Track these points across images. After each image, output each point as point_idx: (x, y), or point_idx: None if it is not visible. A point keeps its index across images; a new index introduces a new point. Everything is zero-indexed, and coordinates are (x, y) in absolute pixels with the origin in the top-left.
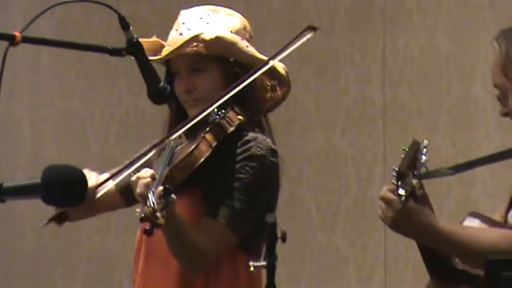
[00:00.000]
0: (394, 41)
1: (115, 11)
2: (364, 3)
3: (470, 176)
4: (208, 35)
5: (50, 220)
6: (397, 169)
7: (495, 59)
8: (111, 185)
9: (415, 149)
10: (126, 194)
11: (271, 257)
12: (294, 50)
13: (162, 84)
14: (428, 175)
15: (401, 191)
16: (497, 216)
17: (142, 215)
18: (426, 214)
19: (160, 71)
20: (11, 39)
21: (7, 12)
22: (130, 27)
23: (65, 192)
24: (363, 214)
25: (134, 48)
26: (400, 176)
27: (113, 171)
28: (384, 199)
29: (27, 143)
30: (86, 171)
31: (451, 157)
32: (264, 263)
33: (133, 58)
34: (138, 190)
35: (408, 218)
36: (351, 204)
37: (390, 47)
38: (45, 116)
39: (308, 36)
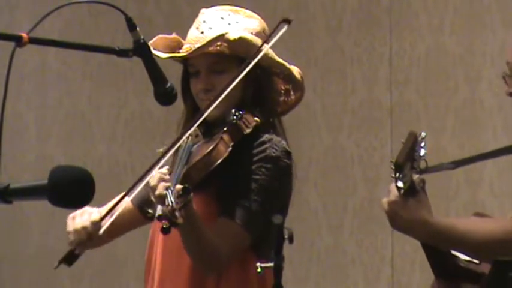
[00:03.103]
0: (401, 41)
1: (122, 11)
2: (370, 3)
3: (477, 177)
4: (232, 36)
5: (60, 262)
6: (394, 161)
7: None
8: (126, 202)
9: (412, 141)
10: (145, 211)
11: (278, 258)
12: (301, 50)
13: (169, 85)
14: (428, 169)
15: (400, 184)
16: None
17: (161, 212)
18: (421, 209)
19: (167, 71)
20: (18, 40)
21: (13, 13)
22: (137, 28)
23: (71, 193)
24: (370, 215)
25: (141, 49)
26: (398, 167)
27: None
28: (388, 192)
29: (34, 144)
30: (85, 209)
31: (458, 158)
32: (271, 264)
33: (140, 59)
34: (157, 190)
35: (404, 211)
36: (357, 204)
37: (397, 47)
38: (51, 116)
39: (283, 29)
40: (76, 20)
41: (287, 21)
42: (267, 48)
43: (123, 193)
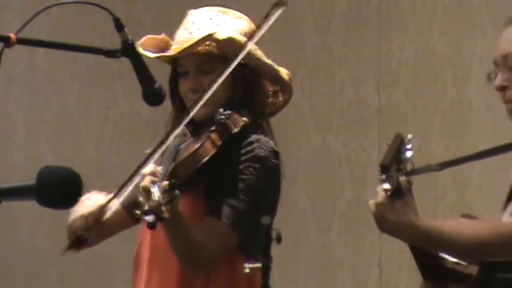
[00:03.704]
0: (389, 42)
1: (110, 12)
2: (359, 4)
3: (465, 178)
4: (221, 35)
5: (69, 247)
6: (380, 163)
7: None
8: (117, 203)
9: (398, 143)
10: (134, 212)
11: (266, 259)
12: (289, 50)
13: (157, 85)
14: (415, 171)
15: (386, 185)
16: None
17: (147, 207)
18: (408, 211)
19: (155, 72)
20: (6, 41)
21: (2, 13)
22: (125, 29)
23: (59, 194)
24: (358, 216)
25: (129, 50)
26: (384, 169)
27: (117, 188)
28: (376, 193)
29: (22, 145)
30: (93, 193)
31: (445, 159)
32: (259, 264)
33: (128, 59)
34: (143, 184)
35: (391, 213)
36: (345, 206)
37: (385, 48)
38: (40, 117)
39: (279, 11)
40: (64, 21)
41: (282, 3)
42: (252, 45)
43: (120, 185)
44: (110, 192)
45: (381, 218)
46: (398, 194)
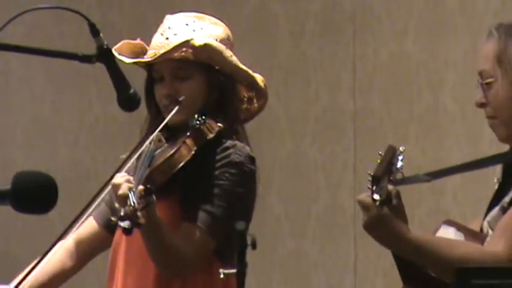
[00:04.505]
0: (364, 47)
1: (85, 17)
2: (333, 9)
3: (441, 185)
4: (197, 42)
5: None
6: (372, 173)
7: (490, 46)
8: (90, 223)
9: (391, 154)
10: (109, 220)
11: (241, 264)
12: (264, 55)
13: (132, 91)
14: (404, 181)
15: (376, 196)
16: (476, 225)
17: (123, 213)
18: (398, 223)
19: (131, 77)
20: None
21: None
22: (101, 34)
23: (35, 199)
24: (333, 221)
25: (104, 55)
26: (375, 180)
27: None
28: (360, 203)
29: None
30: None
31: (421, 165)
32: (234, 270)
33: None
34: (119, 191)
35: (381, 224)
36: (320, 211)
37: (360, 53)
38: (14, 121)
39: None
40: (39, 26)
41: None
42: (228, 51)
43: (37, 259)
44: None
45: (372, 230)
46: (387, 204)
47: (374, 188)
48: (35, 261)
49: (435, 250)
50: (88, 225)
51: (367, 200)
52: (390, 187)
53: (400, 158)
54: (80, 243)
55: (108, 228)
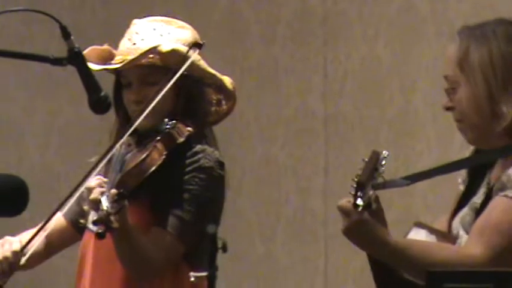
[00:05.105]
0: (336, 52)
1: (56, 20)
2: (305, 13)
3: (410, 189)
4: (164, 48)
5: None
6: (357, 179)
7: (453, 51)
8: (58, 219)
9: (375, 160)
10: (79, 224)
11: (212, 268)
12: (235, 60)
13: (103, 93)
14: (384, 185)
15: (359, 201)
16: (440, 225)
17: (96, 217)
18: (378, 228)
19: (102, 80)
20: None
21: None
22: (72, 37)
23: (5, 201)
24: (303, 225)
25: (75, 58)
26: (360, 186)
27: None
28: (340, 209)
29: None
30: (5, 239)
31: (392, 170)
32: (204, 273)
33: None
34: (92, 195)
35: (362, 230)
36: (291, 215)
37: (331, 58)
38: None
39: (196, 53)
40: (10, 28)
41: (198, 46)
42: (195, 55)
43: (44, 221)
44: (49, 206)
45: (353, 235)
46: (368, 209)
47: (358, 194)
48: None
49: (415, 253)
50: (55, 219)
51: (347, 205)
52: (370, 192)
53: (383, 163)
54: (46, 235)
55: (75, 226)
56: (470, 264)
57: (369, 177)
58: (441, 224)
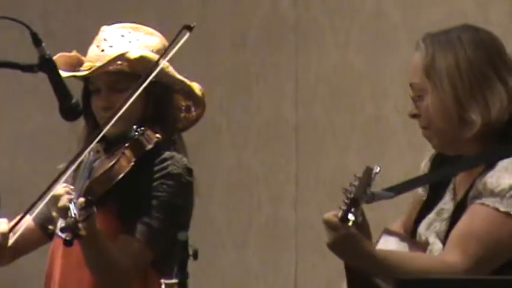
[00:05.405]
0: (307, 59)
1: (27, 26)
2: (276, 20)
3: None
4: (132, 55)
5: None
6: (351, 196)
7: (418, 58)
8: (27, 221)
9: (367, 176)
10: (47, 228)
11: (183, 275)
12: (206, 67)
13: (74, 100)
14: (373, 199)
15: (350, 216)
16: (396, 227)
17: (64, 225)
18: (364, 241)
19: (73, 87)
20: None
21: None
22: (43, 44)
23: None
24: (274, 233)
25: (46, 65)
26: (354, 202)
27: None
28: (326, 223)
29: None
30: None
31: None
32: (175, 280)
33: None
34: (60, 203)
35: (348, 244)
36: (262, 222)
37: (303, 64)
38: None
39: (186, 36)
40: None
41: (188, 28)
42: (164, 62)
43: (28, 207)
44: (19, 212)
45: (339, 249)
46: (356, 223)
47: (352, 209)
48: None
49: (398, 264)
50: (24, 222)
51: (333, 219)
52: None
53: (375, 178)
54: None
55: (44, 229)
56: (451, 272)
57: (362, 194)
58: (398, 229)
